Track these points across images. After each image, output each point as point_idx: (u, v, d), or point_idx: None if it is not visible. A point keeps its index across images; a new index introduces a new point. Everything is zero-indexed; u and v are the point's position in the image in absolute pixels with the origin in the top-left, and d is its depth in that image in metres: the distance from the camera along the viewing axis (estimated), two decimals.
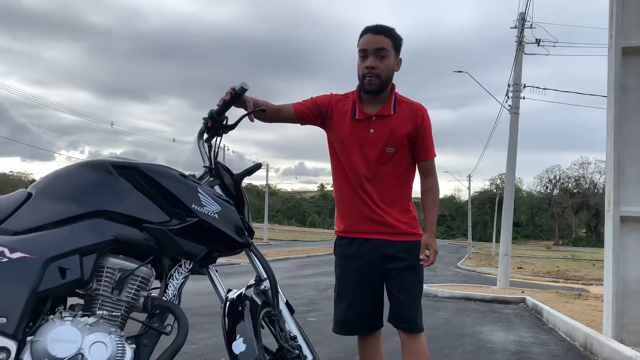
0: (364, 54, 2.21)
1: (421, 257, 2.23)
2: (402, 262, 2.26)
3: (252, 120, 2.07)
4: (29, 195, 1.65)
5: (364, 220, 2.29)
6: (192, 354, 3.94)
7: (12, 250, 1.49)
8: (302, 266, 15.80)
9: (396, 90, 2.32)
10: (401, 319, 2.26)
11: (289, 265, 15.59)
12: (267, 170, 44.08)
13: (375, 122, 2.27)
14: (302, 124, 2.38)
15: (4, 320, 1.44)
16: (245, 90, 1.90)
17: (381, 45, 2.19)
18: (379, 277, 2.30)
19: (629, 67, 4.82)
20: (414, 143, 2.29)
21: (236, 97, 1.92)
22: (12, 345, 1.43)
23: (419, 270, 2.30)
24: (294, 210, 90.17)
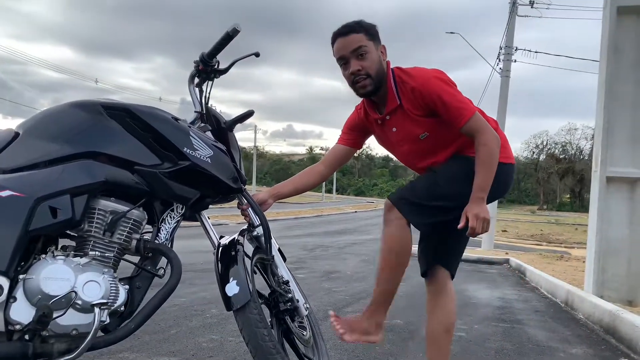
0: (344, 61, 1.99)
1: (460, 225, 1.91)
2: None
3: (257, 56, 1.99)
4: (17, 134, 1.61)
5: None
6: (182, 306, 3.98)
7: (0, 189, 1.46)
8: (291, 227, 15.90)
9: (391, 65, 2.05)
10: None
11: (277, 226, 15.66)
12: (255, 132, 43.95)
13: (392, 120, 2.07)
14: (360, 148, 2.37)
15: None
16: (238, 32, 1.85)
17: (357, 44, 1.95)
18: None
19: (623, 27, 4.79)
20: (439, 116, 1.98)
21: (228, 38, 1.87)
22: (4, 282, 1.42)
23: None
24: (282, 172, 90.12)
